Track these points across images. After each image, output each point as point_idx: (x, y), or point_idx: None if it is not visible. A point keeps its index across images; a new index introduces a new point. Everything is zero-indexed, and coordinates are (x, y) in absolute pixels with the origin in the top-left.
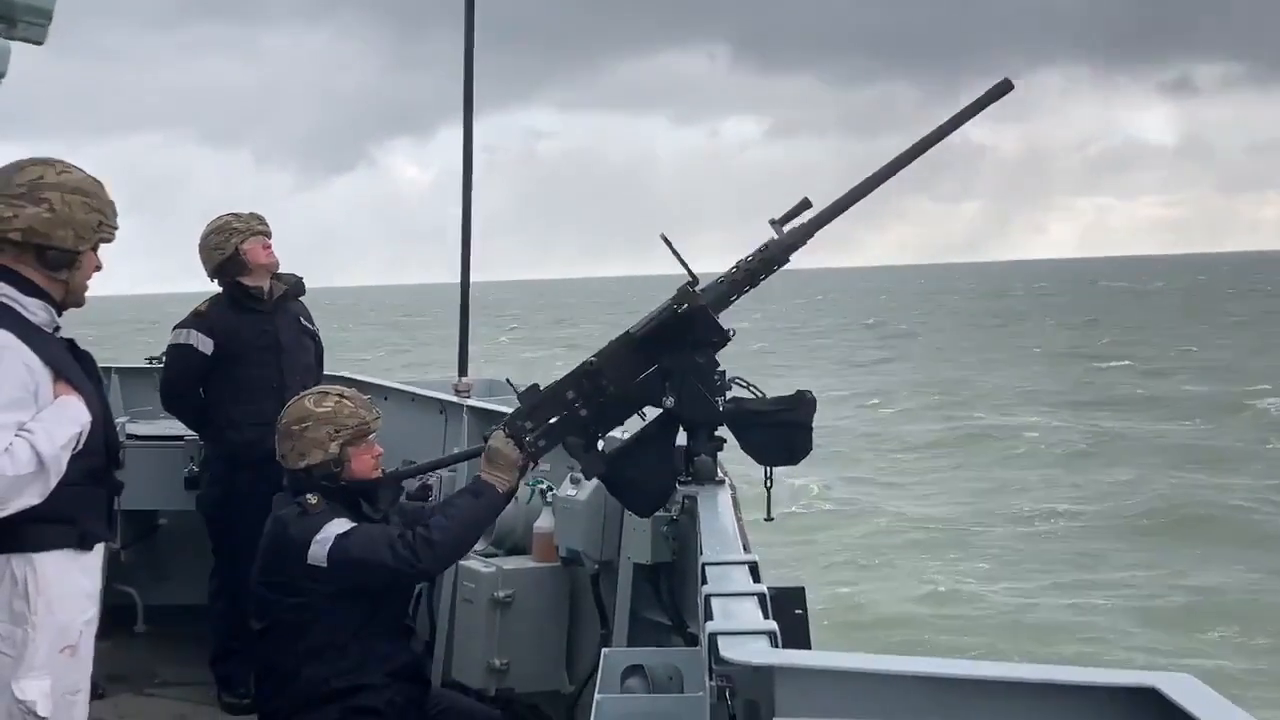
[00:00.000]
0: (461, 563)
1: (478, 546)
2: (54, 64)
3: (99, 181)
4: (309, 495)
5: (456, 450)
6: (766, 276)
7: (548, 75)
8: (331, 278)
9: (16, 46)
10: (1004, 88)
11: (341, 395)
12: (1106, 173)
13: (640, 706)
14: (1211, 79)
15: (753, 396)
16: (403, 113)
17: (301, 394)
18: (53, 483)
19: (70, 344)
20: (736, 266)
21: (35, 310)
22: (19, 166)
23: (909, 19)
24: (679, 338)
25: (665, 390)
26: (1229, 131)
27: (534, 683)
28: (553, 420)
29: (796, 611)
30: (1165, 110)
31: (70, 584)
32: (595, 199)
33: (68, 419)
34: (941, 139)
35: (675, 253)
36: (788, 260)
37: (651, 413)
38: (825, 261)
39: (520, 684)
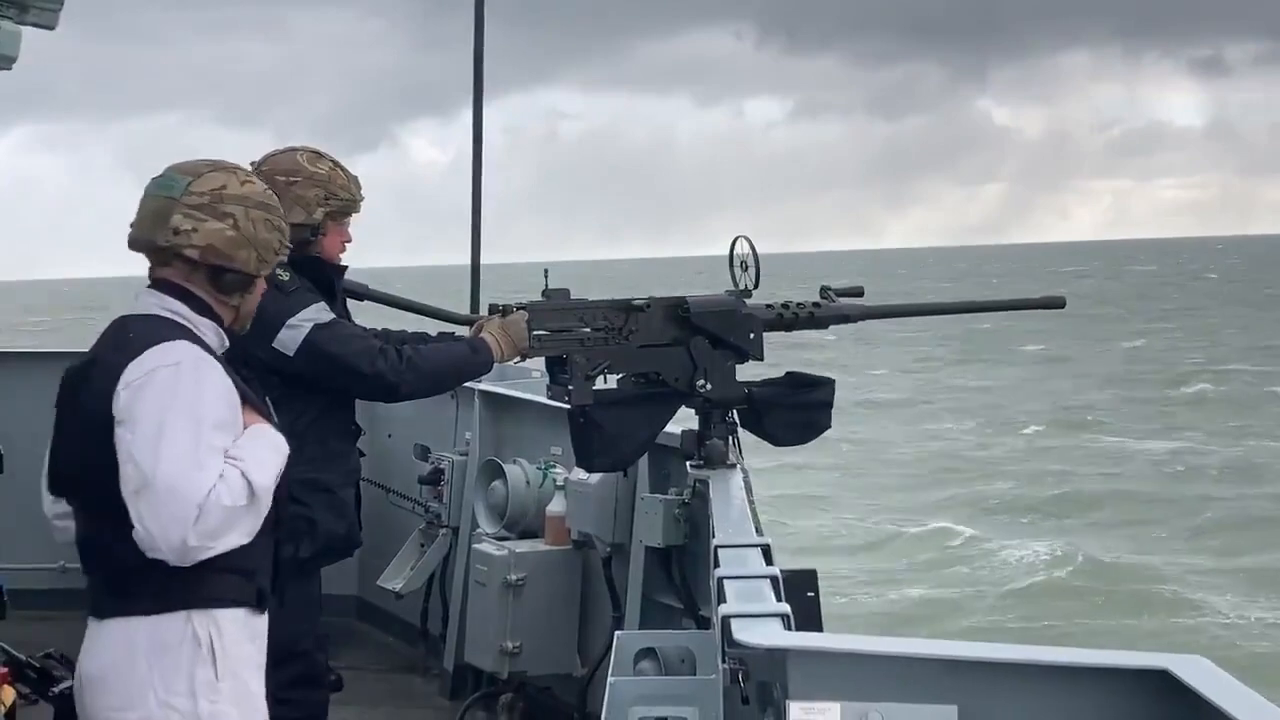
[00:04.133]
0: (474, 546)
1: (489, 529)
2: (77, 43)
3: (274, 194)
4: (279, 270)
5: (468, 435)
6: (799, 329)
7: (572, 55)
8: (349, 259)
9: (28, 31)
10: (1056, 303)
11: (337, 163)
12: (1132, 154)
13: (653, 689)
14: (1244, 57)
15: (761, 379)
16: (427, 93)
17: (289, 147)
18: (260, 521)
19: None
20: (786, 305)
21: (207, 332)
22: (196, 171)
23: None
24: (721, 332)
25: (694, 370)
26: (1255, 112)
27: (546, 665)
28: (568, 328)
29: (808, 594)
30: (1193, 90)
31: (251, 651)
32: (616, 180)
33: (272, 448)
34: (990, 311)
35: (756, 261)
36: (827, 327)
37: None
38: (850, 244)
39: (533, 667)
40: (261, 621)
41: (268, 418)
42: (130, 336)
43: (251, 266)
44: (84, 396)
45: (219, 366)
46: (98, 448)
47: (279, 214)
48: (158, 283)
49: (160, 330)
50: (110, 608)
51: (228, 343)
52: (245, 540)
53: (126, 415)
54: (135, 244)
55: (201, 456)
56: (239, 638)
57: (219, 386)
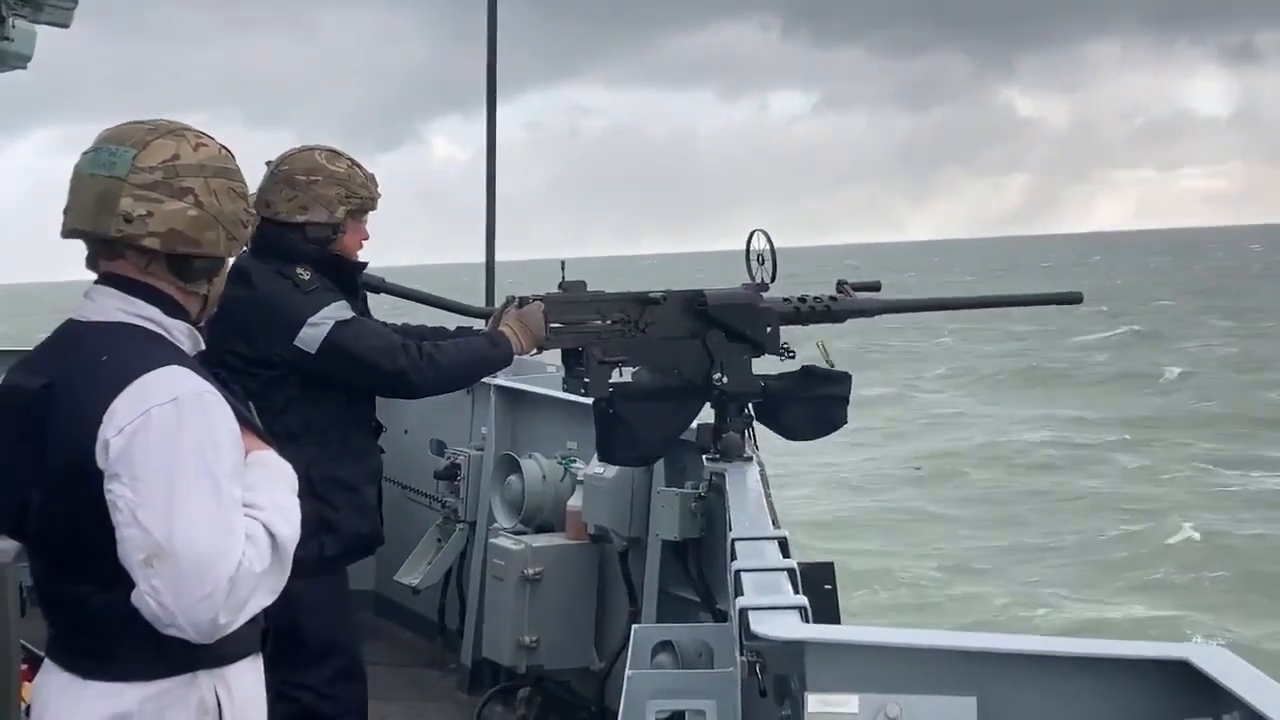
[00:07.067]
0: (492, 540)
1: (506, 524)
2: (100, 44)
3: (230, 151)
4: (300, 269)
5: (484, 430)
6: (816, 323)
7: (595, 50)
8: (371, 257)
9: (43, 30)
10: (1073, 299)
11: (354, 161)
12: (1163, 143)
13: (671, 682)
14: (1277, 43)
15: (778, 374)
16: (450, 90)
17: (306, 146)
18: (286, 576)
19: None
20: (803, 299)
21: (181, 338)
22: (139, 140)
23: None
24: (738, 326)
25: (711, 364)
26: None
27: (564, 659)
28: (585, 321)
29: (826, 586)
30: (1222, 78)
31: (258, 693)
32: (638, 176)
33: (287, 484)
34: (1007, 305)
35: (774, 255)
36: (844, 321)
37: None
38: (874, 236)
39: (550, 661)
40: (259, 658)
41: (261, 435)
42: (104, 360)
43: (221, 248)
44: (49, 435)
45: (218, 394)
46: (72, 499)
47: (240, 178)
48: (112, 279)
49: (138, 349)
50: (94, 669)
51: (202, 344)
52: (271, 600)
53: (122, 469)
54: (75, 234)
55: (226, 517)
56: (248, 686)
57: (226, 422)
